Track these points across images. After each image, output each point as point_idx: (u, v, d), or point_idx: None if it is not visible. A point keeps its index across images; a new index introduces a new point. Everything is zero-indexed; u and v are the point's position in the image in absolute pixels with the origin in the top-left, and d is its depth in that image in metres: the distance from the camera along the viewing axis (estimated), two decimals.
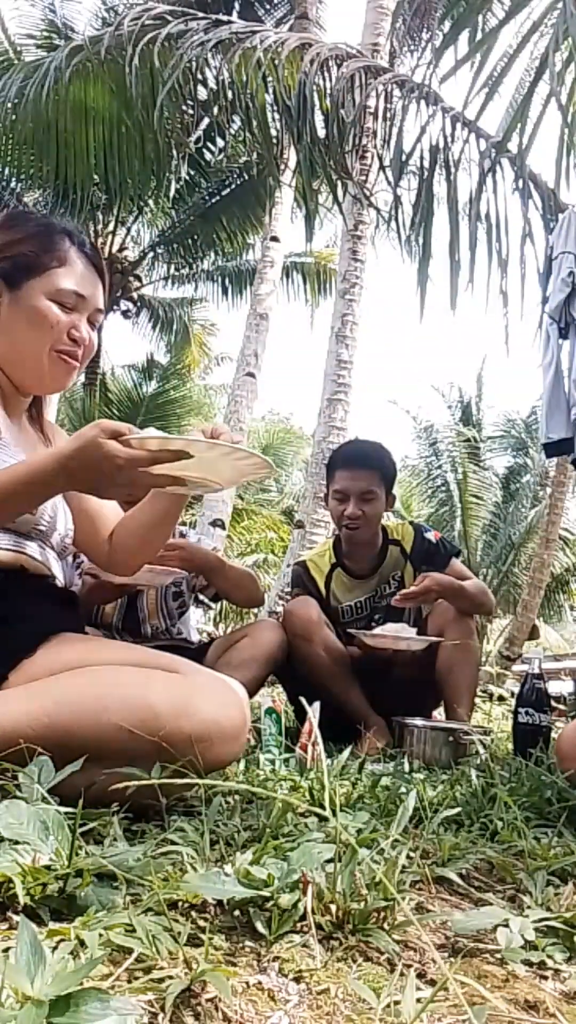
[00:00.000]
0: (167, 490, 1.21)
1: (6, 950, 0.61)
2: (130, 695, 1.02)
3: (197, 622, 3.21)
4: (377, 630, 2.41)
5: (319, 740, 1.02)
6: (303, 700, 1.51)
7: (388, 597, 2.57)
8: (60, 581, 1.35)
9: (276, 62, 3.65)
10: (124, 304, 13.03)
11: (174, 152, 4.72)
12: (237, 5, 8.54)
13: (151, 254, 12.47)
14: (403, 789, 1.33)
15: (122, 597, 2.44)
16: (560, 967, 0.73)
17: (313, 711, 1.66)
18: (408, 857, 0.95)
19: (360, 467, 2.54)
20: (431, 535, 2.64)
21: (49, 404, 1.52)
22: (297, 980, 0.64)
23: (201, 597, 2.66)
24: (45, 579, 1.30)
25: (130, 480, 1.09)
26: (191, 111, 4.22)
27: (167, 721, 1.00)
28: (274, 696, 2.57)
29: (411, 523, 2.70)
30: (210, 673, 1.15)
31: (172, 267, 12.75)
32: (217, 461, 1.13)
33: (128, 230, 12.29)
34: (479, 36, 3.45)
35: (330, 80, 3.74)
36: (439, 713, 2.67)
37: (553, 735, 2.04)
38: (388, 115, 3.81)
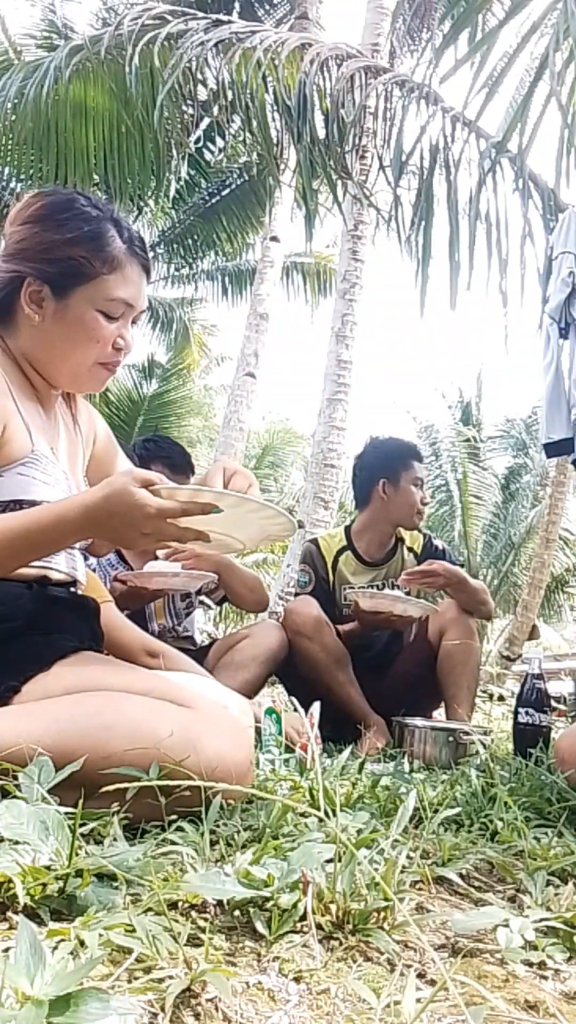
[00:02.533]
0: (186, 545, 1.21)
1: (6, 950, 0.61)
2: (137, 727, 1.00)
3: (198, 623, 3.21)
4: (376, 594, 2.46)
5: (318, 739, 1.02)
6: (295, 701, 1.52)
7: (393, 588, 2.62)
8: (83, 584, 1.37)
9: (276, 62, 3.65)
10: None
11: (174, 152, 4.71)
12: (237, 5, 8.53)
13: (151, 254, 12.45)
14: (403, 789, 1.33)
15: (155, 601, 2.44)
16: (560, 967, 0.73)
17: (313, 711, 1.66)
18: (408, 857, 0.95)
19: (421, 459, 2.82)
20: (438, 543, 2.83)
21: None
22: (297, 980, 0.64)
23: (203, 598, 2.66)
24: (68, 587, 1.31)
25: (157, 531, 1.09)
26: (191, 111, 4.22)
27: (172, 756, 0.99)
28: (274, 696, 2.58)
29: (420, 531, 2.81)
30: (221, 709, 1.13)
31: (172, 267, 12.75)
32: (244, 517, 1.13)
33: None
34: (479, 36, 3.45)
35: (330, 80, 3.74)
36: (439, 713, 2.67)
37: (553, 735, 2.04)
38: (388, 115, 3.81)
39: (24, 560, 1.15)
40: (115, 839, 0.87)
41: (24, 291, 1.22)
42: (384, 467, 2.74)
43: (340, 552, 2.73)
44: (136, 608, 2.38)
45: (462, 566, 2.73)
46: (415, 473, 2.71)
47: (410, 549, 2.76)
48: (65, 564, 1.30)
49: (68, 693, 1.08)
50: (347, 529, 2.80)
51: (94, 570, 2.19)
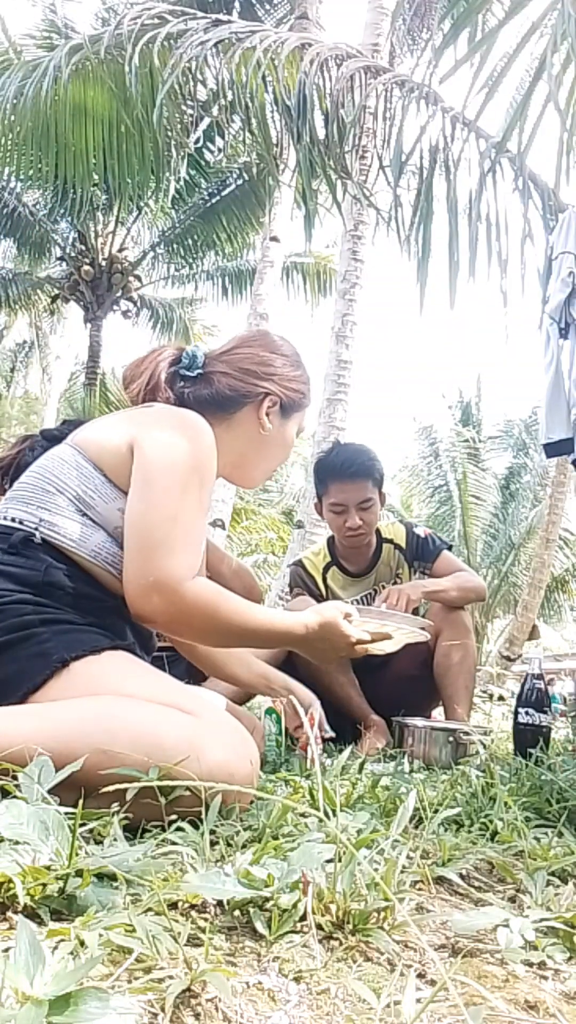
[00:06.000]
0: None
1: (6, 950, 0.61)
2: (140, 734, 1.01)
3: None
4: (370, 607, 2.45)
5: (319, 739, 1.02)
6: (294, 701, 1.52)
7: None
8: None
9: (276, 62, 3.64)
10: (124, 304, 13.03)
11: (174, 152, 4.72)
12: (237, 5, 8.53)
13: (151, 254, 12.47)
14: (403, 789, 1.33)
15: None
16: (560, 967, 0.73)
17: (314, 711, 1.66)
18: (408, 857, 0.95)
19: (354, 477, 2.53)
20: (420, 531, 2.69)
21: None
22: (297, 980, 0.64)
23: None
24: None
25: (348, 654, 1.45)
26: (191, 111, 4.21)
27: (174, 762, 0.99)
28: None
29: (401, 521, 2.72)
30: (227, 719, 1.13)
31: (172, 267, 12.76)
32: (398, 637, 1.55)
33: (128, 230, 12.30)
34: (479, 36, 3.45)
35: (330, 80, 3.73)
36: (438, 713, 2.67)
37: (553, 735, 2.05)
38: (388, 115, 3.81)
39: (233, 645, 1.50)
40: (115, 839, 0.87)
41: (263, 405, 1.53)
42: (316, 486, 2.68)
43: (327, 568, 2.69)
44: None
45: (451, 548, 2.72)
46: (330, 497, 2.55)
47: (392, 543, 2.66)
48: None
49: (94, 689, 1.10)
50: (330, 542, 2.74)
51: None
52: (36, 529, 1.26)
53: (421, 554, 2.64)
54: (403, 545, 2.66)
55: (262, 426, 1.52)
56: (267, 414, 1.53)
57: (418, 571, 2.65)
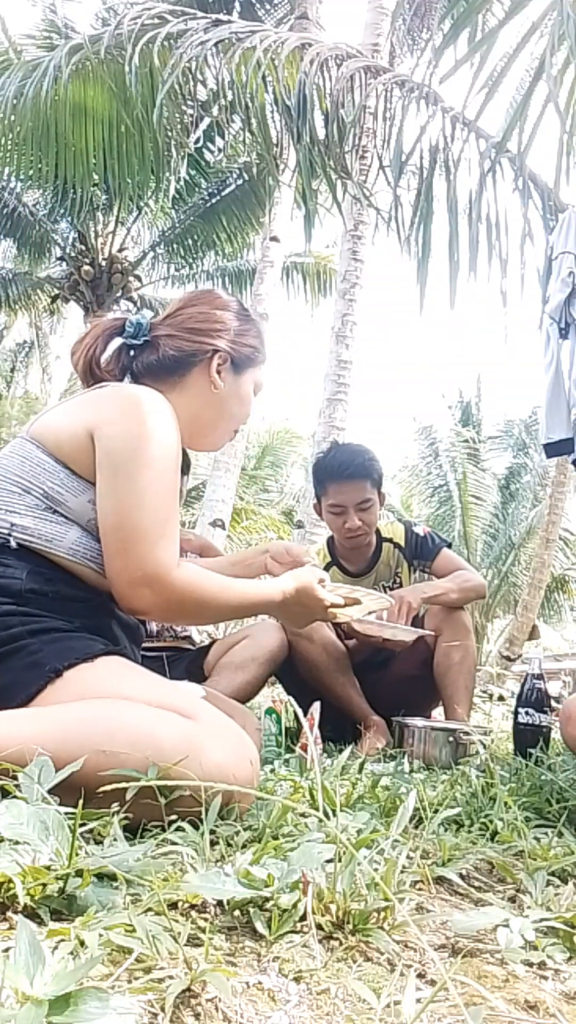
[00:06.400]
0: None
1: (6, 950, 0.61)
2: (139, 737, 1.01)
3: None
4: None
5: (318, 740, 1.02)
6: (292, 700, 1.51)
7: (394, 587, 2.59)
8: None
9: (276, 62, 3.64)
10: (124, 304, 13.01)
11: (174, 152, 4.72)
12: (237, 5, 8.52)
13: (151, 254, 12.46)
14: (403, 789, 1.33)
15: None
16: (560, 967, 0.73)
17: (313, 711, 1.66)
18: (408, 857, 0.95)
19: (353, 478, 2.51)
20: (419, 529, 2.68)
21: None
22: (297, 980, 0.64)
23: None
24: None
25: (322, 617, 1.51)
26: (191, 111, 4.21)
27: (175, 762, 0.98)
28: (274, 696, 2.58)
29: (400, 520, 2.70)
30: (226, 721, 1.12)
31: (172, 267, 12.74)
32: (367, 602, 1.59)
33: (128, 230, 12.28)
34: (479, 36, 3.45)
35: (330, 80, 3.73)
36: (438, 712, 2.67)
37: (553, 735, 2.04)
38: (388, 115, 3.81)
39: (219, 621, 1.47)
40: (115, 839, 0.87)
41: (212, 363, 1.46)
42: (315, 487, 2.66)
43: (327, 568, 2.67)
44: None
45: (450, 545, 2.71)
46: (329, 498, 2.53)
47: (391, 542, 2.66)
48: None
49: (91, 694, 1.09)
50: (330, 542, 2.73)
51: None
52: (9, 535, 1.22)
53: (420, 552, 2.63)
54: (402, 544, 2.65)
55: (214, 385, 1.46)
56: (218, 372, 1.47)
57: (417, 569, 2.65)
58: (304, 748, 1.67)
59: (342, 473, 2.52)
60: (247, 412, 1.57)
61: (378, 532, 2.67)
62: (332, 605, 1.48)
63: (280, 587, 1.42)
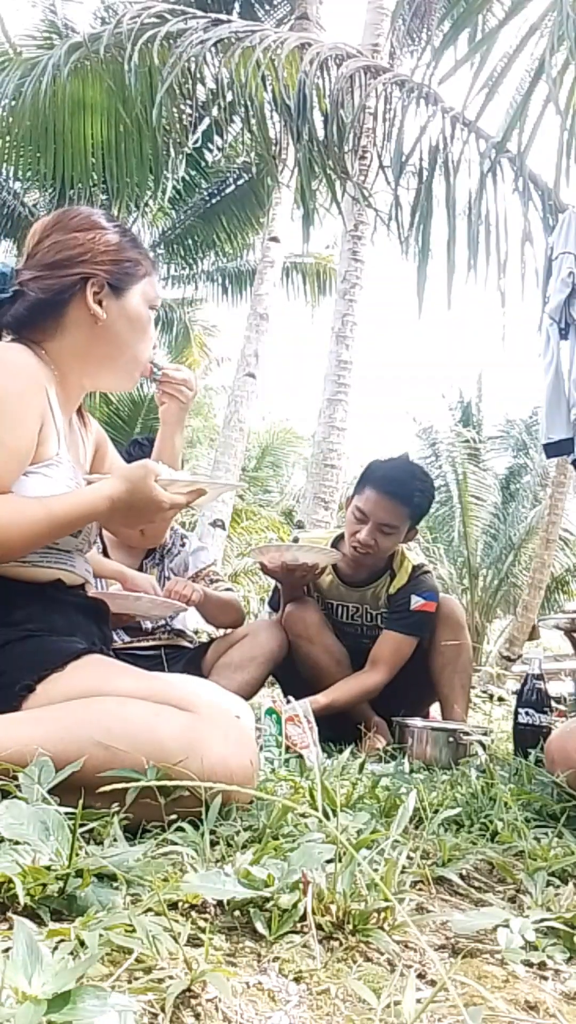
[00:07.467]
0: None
1: (6, 950, 0.60)
2: (139, 733, 1.00)
3: (197, 622, 3.21)
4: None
5: (313, 734, 1.01)
6: (292, 699, 1.50)
7: (377, 615, 2.55)
8: (92, 587, 1.41)
9: (275, 62, 3.64)
10: None
11: (173, 151, 4.71)
12: (237, 5, 8.52)
13: (151, 254, 12.47)
14: (403, 789, 1.33)
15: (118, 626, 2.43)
16: (560, 967, 0.73)
17: (297, 708, 1.65)
18: (408, 857, 0.95)
19: (391, 497, 2.38)
20: (418, 603, 2.46)
21: None
22: (297, 980, 0.64)
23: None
24: (80, 589, 1.34)
25: (161, 518, 1.32)
26: (190, 110, 4.21)
27: (175, 760, 0.98)
28: (274, 696, 2.57)
29: (415, 566, 2.52)
30: (225, 713, 1.11)
31: (172, 267, 12.74)
32: (212, 491, 1.42)
33: None
34: (479, 36, 3.45)
35: (330, 80, 3.73)
36: (435, 711, 2.67)
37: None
38: (388, 115, 3.81)
39: (47, 542, 1.23)
40: (115, 839, 0.87)
41: (86, 293, 1.31)
42: (357, 482, 2.52)
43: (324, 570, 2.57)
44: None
45: (420, 635, 2.48)
46: (359, 502, 2.41)
47: (393, 579, 2.51)
48: (80, 567, 1.33)
49: (76, 696, 1.08)
50: (336, 541, 2.60)
51: None
52: None
53: (393, 613, 2.49)
54: (393, 592, 2.51)
55: (96, 316, 1.32)
56: (98, 301, 1.32)
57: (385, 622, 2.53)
58: (289, 746, 1.67)
59: (385, 486, 2.40)
60: (146, 331, 1.40)
61: (392, 559, 2.54)
62: (173, 504, 1.28)
63: (107, 494, 1.23)
